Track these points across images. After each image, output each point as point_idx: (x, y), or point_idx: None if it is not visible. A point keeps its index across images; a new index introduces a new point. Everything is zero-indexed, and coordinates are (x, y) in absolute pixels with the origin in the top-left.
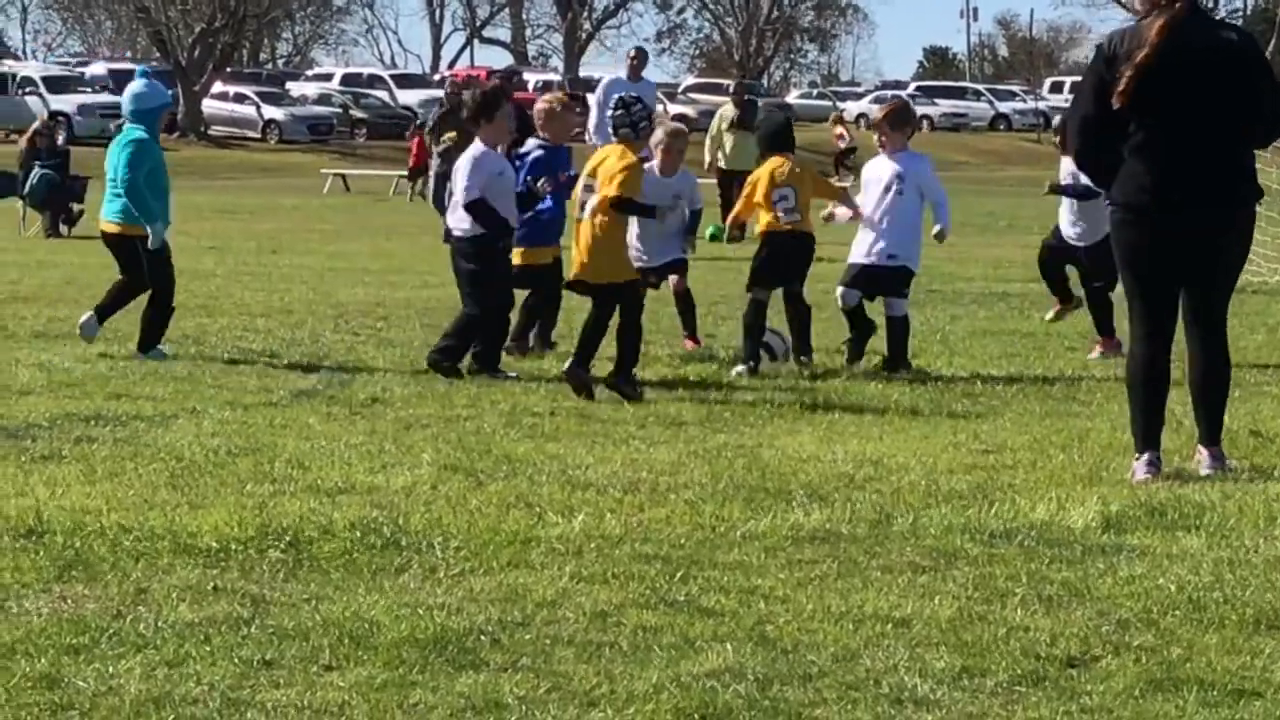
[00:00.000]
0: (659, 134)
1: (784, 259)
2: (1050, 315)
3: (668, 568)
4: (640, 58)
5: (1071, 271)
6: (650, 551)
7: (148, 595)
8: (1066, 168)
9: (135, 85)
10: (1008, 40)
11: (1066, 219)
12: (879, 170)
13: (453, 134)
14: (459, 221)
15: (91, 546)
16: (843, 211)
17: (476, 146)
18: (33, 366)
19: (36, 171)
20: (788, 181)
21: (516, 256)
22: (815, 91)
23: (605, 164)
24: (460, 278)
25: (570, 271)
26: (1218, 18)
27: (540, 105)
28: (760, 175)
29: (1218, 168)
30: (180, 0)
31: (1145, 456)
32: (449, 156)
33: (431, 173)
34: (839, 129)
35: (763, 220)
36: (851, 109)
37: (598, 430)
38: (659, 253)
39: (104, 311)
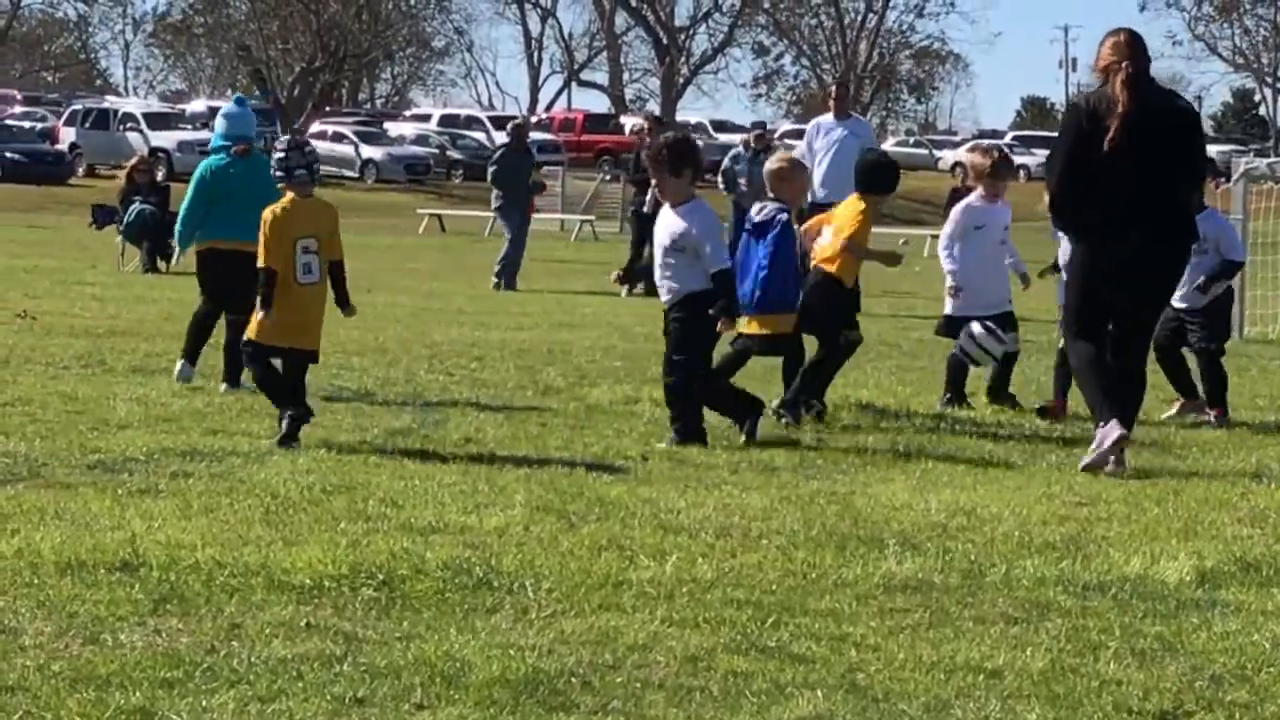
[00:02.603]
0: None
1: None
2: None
3: (759, 613)
4: (842, 94)
5: None
6: (742, 597)
7: (241, 630)
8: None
9: (227, 106)
10: None
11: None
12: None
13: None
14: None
15: (186, 581)
16: None
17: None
18: (130, 401)
19: (135, 207)
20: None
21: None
22: (912, 139)
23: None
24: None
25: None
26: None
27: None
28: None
29: (1169, 210)
30: (281, 39)
31: (1114, 421)
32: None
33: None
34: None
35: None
36: (948, 157)
37: (690, 475)
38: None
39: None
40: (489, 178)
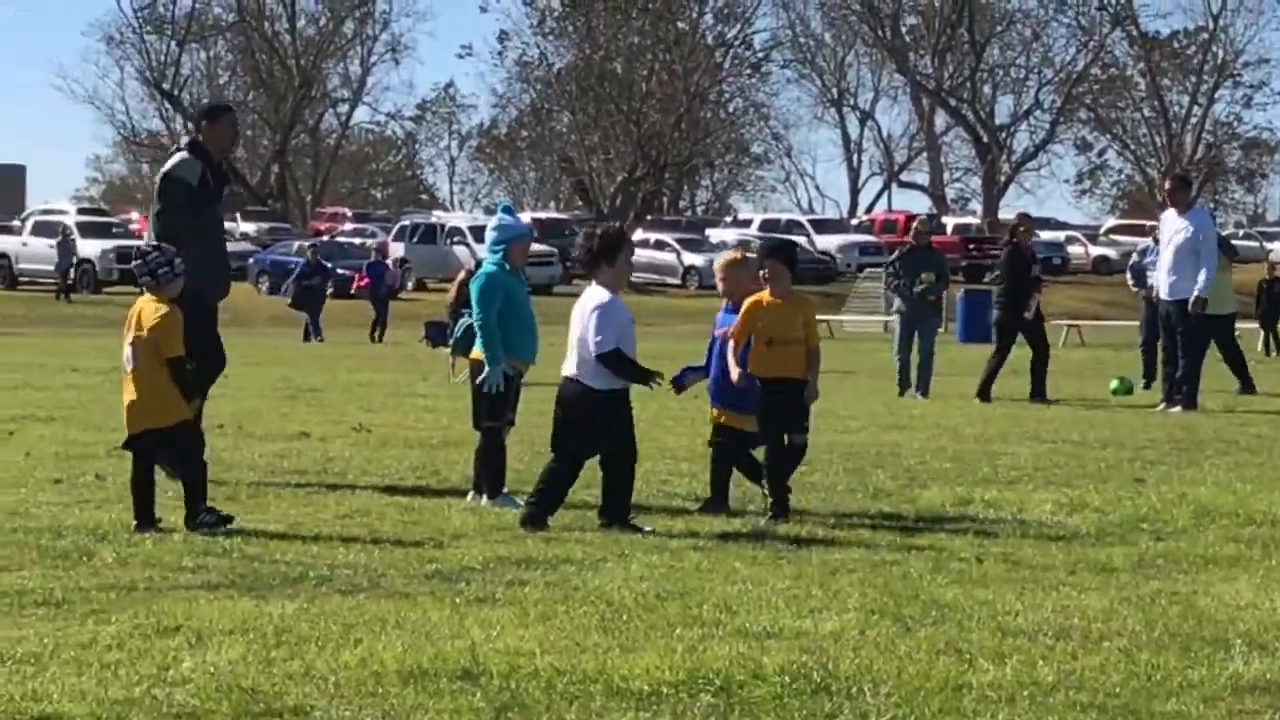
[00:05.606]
0: None
1: None
2: None
3: (1103, 717)
4: (1175, 186)
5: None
6: (1085, 700)
7: None
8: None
9: (493, 219)
10: None
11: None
12: None
13: (929, 274)
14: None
15: (526, 689)
16: None
17: (602, 292)
18: (465, 511)
19: (463, 321)
20: None
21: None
22: (1241, 232)
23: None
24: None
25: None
26: None
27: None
28: None
29: None
30: (603, 150)
31: None
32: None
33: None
34: None
35: None
36: (1278, 250)
37: (1026, 576)
38: None
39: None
40: (884, 281)
